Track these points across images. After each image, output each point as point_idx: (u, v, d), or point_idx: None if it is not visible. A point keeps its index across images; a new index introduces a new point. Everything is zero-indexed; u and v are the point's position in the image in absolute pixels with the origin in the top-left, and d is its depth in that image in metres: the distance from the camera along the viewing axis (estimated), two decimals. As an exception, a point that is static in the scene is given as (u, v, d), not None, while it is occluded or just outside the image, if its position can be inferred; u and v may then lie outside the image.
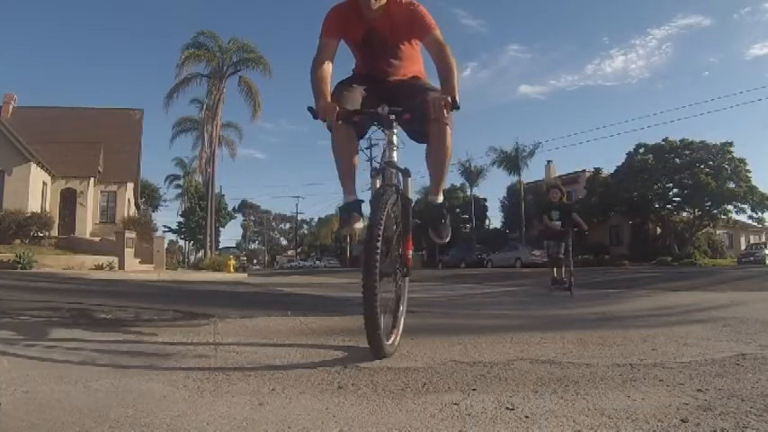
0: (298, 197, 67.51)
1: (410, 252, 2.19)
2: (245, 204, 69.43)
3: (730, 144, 28.23)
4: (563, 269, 6.14)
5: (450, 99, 1.96)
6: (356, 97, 2.22)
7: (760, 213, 28.84)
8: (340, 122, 2.08)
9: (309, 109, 2.07)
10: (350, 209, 2.19)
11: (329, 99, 2.09)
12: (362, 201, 2.19)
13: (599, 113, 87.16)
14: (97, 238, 20.56)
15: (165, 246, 22.85)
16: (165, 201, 47.68)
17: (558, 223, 6.15)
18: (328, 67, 2.21)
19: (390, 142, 2.13)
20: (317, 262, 54.70)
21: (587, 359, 1.95)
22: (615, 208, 30.43)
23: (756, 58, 78.50)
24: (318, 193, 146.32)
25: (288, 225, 76.76)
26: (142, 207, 32.87)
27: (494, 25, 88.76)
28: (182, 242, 49.48)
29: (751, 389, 1.48)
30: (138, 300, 4.74)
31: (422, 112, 2.04)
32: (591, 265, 22.62)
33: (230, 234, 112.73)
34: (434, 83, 2.29)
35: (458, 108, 1.99)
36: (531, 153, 34.45)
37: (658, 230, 31.59)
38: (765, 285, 7.13)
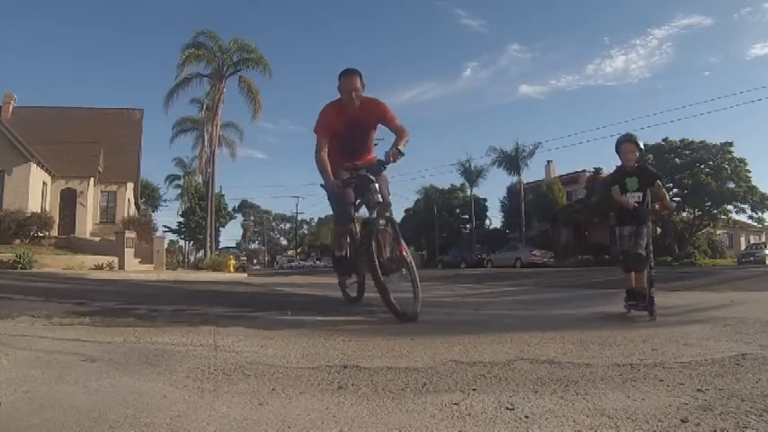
0: (298, 197, 67.66)
1: (404, 251, 3.34)
2: (245, 204, 69.40)
3: (730, 144, 28.21)
4: (643, 274, 3.59)
5: (397, 150, 3.22)
6: (345, 175, 3.41)
7: (760, 213, 28.80)
8: (341, 188, 3.27)
9: (322, 186, 3.30)
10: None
11: (333, 178, 3.25)
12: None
13: (599, 113, 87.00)
14: (97, 238, 20.56)
15: (165, 246, 22.79)
16: (165, 201, 47.69)
17: (638, 196, 3.67)
18: (327, 157, 3.32)
19: (375, 191, 3.29)
20: (318, 262, 54.66)
21: (587, 359, 1.95)
22: (615, 208, 30.40)
23: (756, 58, 78.26)
24: (318, 193, 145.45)
25: (288, 225, 76.77)
26: (142, 207, 32.87)
27: (494, 25, 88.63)
28: (182, 242, 49.44)
29: (751, 389, 1.48)
30: (138, 300, 4.74)
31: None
32: (591, 265, 22.64)
33: (230, 234, 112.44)
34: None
35: (403, 155, 3.23)
36: (531, 153, 34.42)
37: (658, 230, 31.57)
38: (765, 285, 7.12)
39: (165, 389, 1.49)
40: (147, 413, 1.26)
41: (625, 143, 3.78)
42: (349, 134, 3.49)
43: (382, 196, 3.34)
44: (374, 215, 3.29)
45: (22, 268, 12.58)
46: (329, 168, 3.30)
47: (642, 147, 3.79)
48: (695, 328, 2.75)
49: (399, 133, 3.35)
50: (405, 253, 3.35)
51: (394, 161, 3.19)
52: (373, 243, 3.11)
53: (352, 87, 3.31)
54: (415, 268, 3.39)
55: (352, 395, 1.45)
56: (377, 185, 3.30)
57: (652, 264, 3.58)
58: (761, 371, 1.71)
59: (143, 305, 4.06)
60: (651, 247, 3.63)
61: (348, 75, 3.32)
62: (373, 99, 3.48)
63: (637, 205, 3.66)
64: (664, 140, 29.57)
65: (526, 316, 3.87)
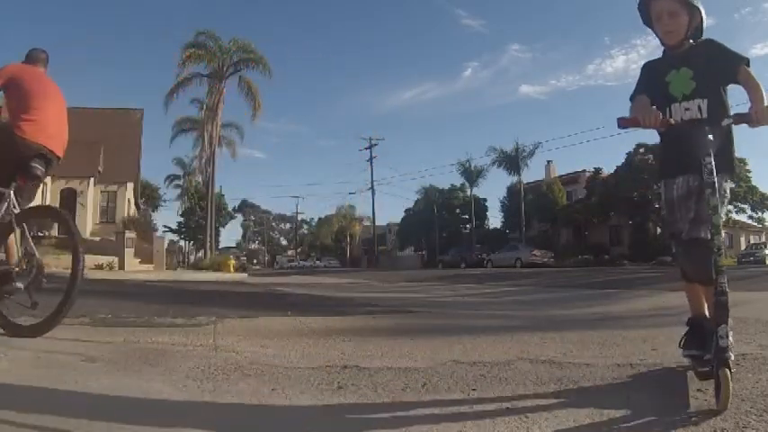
0: (298, 197, 67.59)
1: None
2: (245, 204, 69.38)
3: (730, 144, 28.24)
4: (716, 279, 1.33)
5: None
6: None
7: (760, 213, 28.87)
8: None
9: None
10: None
11: None
12: None
13: (599, 113, 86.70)
14: (97, 238, 20.54)
15: (165, 246, 22.77)
16: (164, 201, 47.55)
17: (696, 106, 1.59)
18: None
19: None
20: (317, 262, 54.75)
21: (587, 359, 1.95)
22: (615, 208, 30.43)
23: (757, 58, 77.81)
24: (318, 193, 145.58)
25: (288, 225, 76.79)
26: (142, 207, 32.86)
27: (494, 25, 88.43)
28: (182, 242, 49.41)
29: (751, 389, 1.48)
30: (138, 300, 4.74)
31: None
32: (591, 266, 22.64)
33: (230, 234, 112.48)
34: None
35: None
36: (531, 153, 34.36)
37: (658, 230, 31.58)
38: (765, 285, 7.12)
39: (165, 389, 1.49)
40: (147, 413, 1.26)
41: None
42: None
43: None
44: None
45: (22, 268, 12.55)
46: None
47: (700, 6, 1.69)
48: (695, 328, 2.75)
49: None
50: None
51: None
52: None
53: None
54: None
55: (353, 395, 1.45)
56: None
57: (721, 265, 1.39)
58: (761, 371, 1.71)
59: (142, 305, 4.06)
60: (720, 223, 1.44)
61: None
62: None
63: (684, 123, 1.60)
64: (664, 140, 29.56)
65: (526, 316, 3.87)
